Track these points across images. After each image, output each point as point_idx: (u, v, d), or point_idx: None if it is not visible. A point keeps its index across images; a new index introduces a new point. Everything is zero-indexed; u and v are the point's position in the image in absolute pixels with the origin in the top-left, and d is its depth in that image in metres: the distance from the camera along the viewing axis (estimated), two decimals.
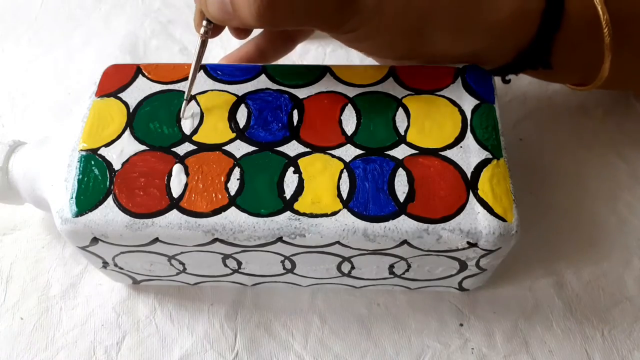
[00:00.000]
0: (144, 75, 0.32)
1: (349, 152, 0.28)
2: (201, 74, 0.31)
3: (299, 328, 0.33)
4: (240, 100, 0.31)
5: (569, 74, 0.34)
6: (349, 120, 0.30)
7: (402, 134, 0.29)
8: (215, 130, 0.29)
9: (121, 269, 0.32)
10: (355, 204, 0.27)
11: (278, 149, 0.29)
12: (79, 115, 0.30)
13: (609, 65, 0.31)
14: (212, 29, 0.30)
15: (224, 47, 0.43)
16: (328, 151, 0.29)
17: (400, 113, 0.30)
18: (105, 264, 0.31)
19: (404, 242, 0.27)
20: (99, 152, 0.29)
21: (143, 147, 0.29)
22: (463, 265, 0.29)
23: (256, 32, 0.35)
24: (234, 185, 0.28)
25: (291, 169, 0.28)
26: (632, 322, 0.33)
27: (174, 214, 0.27)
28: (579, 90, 0.36)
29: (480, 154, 0.28)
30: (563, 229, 0.36)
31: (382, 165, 0.28)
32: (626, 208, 0.37)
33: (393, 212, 0.27)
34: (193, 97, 0.31)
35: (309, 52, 0.46)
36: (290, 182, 0.28)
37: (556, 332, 0.33)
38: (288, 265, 0.30)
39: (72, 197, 0.27)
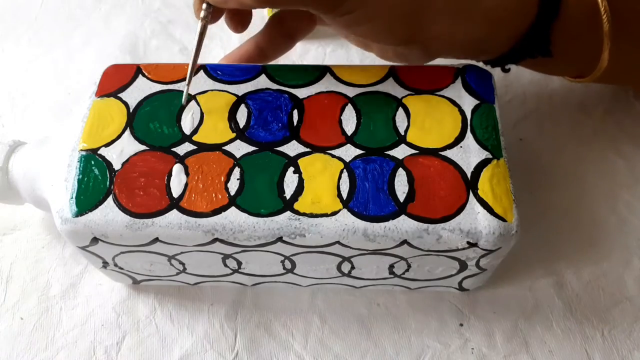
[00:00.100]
0: (144, 75, 0.32)
1: (349, 152, 0.28)
2: (201, 74, 0.31)
3: (299, 328, 0.33)
4: (240, 100, 0.31)
5: (568, 64, 0.34)
6: (349, 120, 0.30)
7: (402, 134, 0.29)
8: (215, 130, 0.29)
9: (121, 269, 0.32)
10: (355, 204, 0.27)
11: (278, 149, 0.29)
12: (79, 115, 0.30)
13: (608, 55, 0.31)
14: (212, 14, 0.30)
15: (224, 47, 0.43)
16: (328, 151, 0.29)
17: (400, 113, 0.30)
18: (105, 264, 0.31)
19: (404, 242, 0.27)
20: (99, 152, 0.29)
21: (143, 147, 0.29)
22: (463, 265, 0.29)
23: (254, 30, 0.35)
24: (234, 185, 0.28)
25: (291, 169, 0.28)
26: (632, 322, 0.33)
27: (174, 214, 0.27)
28: (578, 82, 0.36)
29: (480, 154, 0.28)
30: (563, 229, 0.36)
31: (382, 165, 0.28)
32: (626, 208, 0.37)
33: (393, 212, 0.27)
34: (193, 97, 0.31)
35: (309, 52, 0.46)
36: (290, 182, 0.28)
37: (556, 332, 0.33)
38: (288, 265, 0.30)
39: (72, 197, 0.27)
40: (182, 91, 0.31)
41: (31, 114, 0.43)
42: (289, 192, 0.27)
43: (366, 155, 0.28)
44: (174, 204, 0.27)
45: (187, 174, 0.28)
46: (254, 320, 0.34)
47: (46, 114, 0.43)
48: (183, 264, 0.31)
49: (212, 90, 0.31)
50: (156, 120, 0.30)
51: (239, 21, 0.33)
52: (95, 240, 0.28)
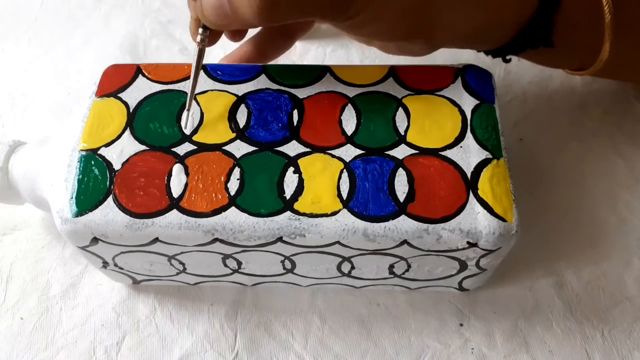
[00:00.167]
0: (144, 75, 0.32)
1: (349, 152, 0.28)
2: (201, 74, 0.31)
3: (299, 328, 0.33)
4: (240, 100, 0.31)
5: (569, 55, 0.34)
6: (349, 120, 0.30)
7: (402, 134, 0.29)
8: (215, 130, 0.29)
9: (121, 269, 0.32)
10: (355, 204, 0.27)
11: (278, 149, 0.29)
12: (79, 115, 0.30)
13: (609, 46, 0.31)
14: (209, 37, 0.30)
15: (224, 47, 0.42)
16: (328, 151, 0.29)
17: (400, 113, 0.30)
18: (105, 264, 0.31)
19: (404, 242, 0.27)
20: (99, 152, 0.29)
21: (143, 147, 0.29)
22: (463, 265, 0.29)
23: (251, 32, 0.35)
24: (234, 185, 0.28)
25: (291, 169, 0.28)
26: (632, 322, 0.33)
27: (174, 214, 0.27)
28: (578, 75, 0.36)
29: (480, 154, 0.28)
30: (563, 229, 0.36)
31: (382, 165, 0.28)
32: (626, 207, 0.37)
33: (393, 212, 0.27)
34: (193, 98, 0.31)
35: (309, 52, 0.46)
36: (290, 182, 0.28)
37: (556, 332, 0.33)
38: (288, 265, 0.30)
39: (72, 197, 0.27)
40: (182, 91, 0.31)
41: (31, 114, 0.43)
42: (289, 192, 0.27)
43: (366, 155, 0.28)
44: (174, 204, 0.27)
45: (187, 174, 0.28)
46: (254, 320, 0.34)
47: (46, 114, 0.43)
48: (183, 264, 0.31)
49: (212, 90, 0.31)
50: (156, 120, 0.30)
51: (237, 32, 0.33)
52: (95, 240, 0.28)
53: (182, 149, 0.29)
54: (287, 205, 0.27)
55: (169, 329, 0.33)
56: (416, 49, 0.32)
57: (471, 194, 0.27)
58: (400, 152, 0.28)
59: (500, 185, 0.27)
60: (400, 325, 0.33)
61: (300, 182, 0.28)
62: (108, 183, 0.28)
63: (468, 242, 0.27)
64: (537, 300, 0.34)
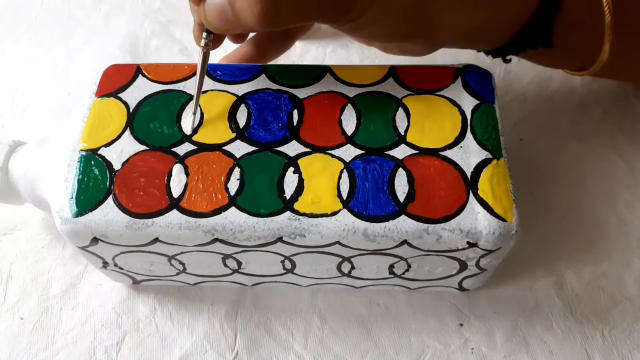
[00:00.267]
0: (144, 75, 0.32)
1: (349, 152, 0.28)
2: None
3: (299, 328, 0.33)
4: (240, 100, 0.31)
5: (569, 55, 0.34)
6: (349, 120, 0.30)
7: (402, 134, 0.29)
8: (215, 130, 0.29)
9: (121, 269, 0.32)
10: (355, 204, 0.27)
11: (278, 149, 0.29)
12: (79, 115, 0.30)
13: (609, 47, 0.31)
14: (213, 40, 0.30)
15: (224, 47, 0.42)
16: (328, 151, 0.29)
17: (400, 113, 0.30)
18: (105, 264, 0.31)
19: (404, 242, 0.27)
20: (99, 152, 0.29)
21: (143, 147, 0.29)
22: (463, 265, 0.29)
23: (252, 33, 0.35)
24: (234, 185, 0.28)
25: (291, 169, 0.28)
26: (632, 322, 0.33)
27: (174, 214, 0.27)
28: (578, 75, 0.36)
29: (480, 154, 0.28)
30: (563, 229, 0.36)
31: (382, 165, 0.28)
32: (626, 207, 0.37)
33: (393, 212, 0.27)
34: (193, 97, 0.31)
35: (309, 52, 0.46)
36: (290, 182, 0.28)
37: (556, 332, 0.33)
38: (288, 265, 0.30)
39: (72, 197, 0.27)
40: (182, 91, 0.31)
41: (31, 114, 0.43)
42: (289, 192, 0.27)
43: (366, 155, 0.28)
44: (174, 204, 0.27)
45: (187, 174, 0.28)
46: (254, 320, 0.34)
47: (46, 114, 0.43)
48: (183, 264, 0.31)
49: (212, 90, 0.31)
50: (156, 120, 0.30)
51: (239, 35, 0.33)
52: (95, 240, 0.28)
53: (182, 149, 0.29)
54: (287, 205, 0.27)
55: (169, 329, 0.33)
56: (416, 49, 0.32)
57: (471, 194, 0.27)
58: (400, 152, 0.28)
59: (500, 185, 0.27)
60: (400, 325, 0.33)
61: (300, 182, 0.28)
62: (108, 183, 0.28)
63: (468, 242, 0.27)
64: (537, 300, 0.34)
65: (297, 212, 0.27)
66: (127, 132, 0.29)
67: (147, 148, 0.29)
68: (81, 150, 0.29)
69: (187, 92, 0.31)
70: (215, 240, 0.27)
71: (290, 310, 0.34)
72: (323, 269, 0.31)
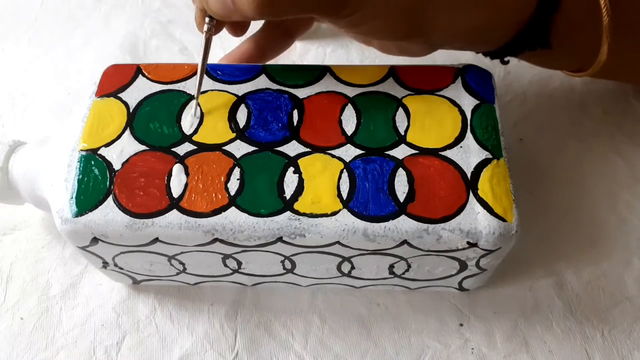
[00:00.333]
0: (144, 75, 0.32)
1: (349, 152, 0.28)
2: None
3: (299, 328, 0.33)
4: (240, 100, 0.31)
5: (567, 57, 0.34)
6: (349, 120, 0.30)
7: (402, 134, 0.29)
8: (215, 130, 0.29)
9: (121, 269, 0.32)
10: (355, 204, 0.27)
11: (278, 149, 0.29)
12: (79, 115, 0.30)
13: (607, 49, 0.31)
14: (215, 26, 0.30)
15: (224, 47, 0.43)
16: (328, 151, 0.29)
17: (400, 113, 0.30)
18: (105, 264, 0.31)
19: (404, 242, 0.27)
20: (99, 152, 0.29)
21: (143, 147, 0.29)
22: (463, 265, 0.29)
23: (253, 29, 0.35)
24: (234, 185, 0.28)
25: (291, 169, 0.28)
26: (632, 322, 0.33)
27: (174, 214, 0.27)
28: (577, 77, 0.36)
29: (480, 154, 0.28)
30: (563, 229, 0.36)
31: (382, 165, 0.28)
32: (626, 207, 0.37)
33: (393, 212, 0.27)
34: (193, 97, 0.31)
35: (309, 52, 0.46)
36: (290, 182, 0.28)
37: (556, 332, 0.33)
38: (288, 265, 0.30)
39: (72, 197, 0.27)
40: (182, 91, 0.31)
41: (31, 114, 0.43)
42: (289, 192, 0.27)
43: (366, 155, 0.28)
44: (174, 204, 0.27)
45: (187, 174, 0.28)
46: (254, 320, 0.34)
47: (46, 114, 0.43)
48: (183, 264, 0.31)
49: (212, 90, 0.31)
50: (156, 120, 0.30)
51: (239, 27, 0.33)
52: (95, 240, 0.28)
53: (182, 149, 0.29)
54: (287, 205, 0.27)
55: (169, 329, 0.33)
56: (415, 49, 0.32)
57: (471, 194, 0.27)
58: (400, 152, 0.28)
59: (500, 185, 0.27)
60: (400, 325, 0.33)
61: (300, 182, 0.28)
62: (108, 183, 0.28)
63: (468, 242, 0.27)
64: (537, 300, 0.34)
65: (297, 212, 0.27)
66: (127, 132, 0.29)
67: (147, 148, 0.29)
68: (81, 150, 0.29)
69: (187, 92, 0.31)
70: (215, 240, 0.27)
71: (290, 310, 0.34)
72: (323, 269, 0.31)
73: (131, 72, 0.32)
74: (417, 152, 0.28)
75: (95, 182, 0.28)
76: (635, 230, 0.36)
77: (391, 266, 0.30)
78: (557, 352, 0.32)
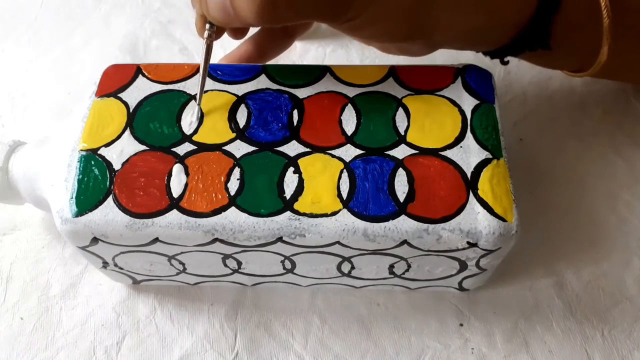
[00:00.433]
0: (144, 75, 0.32)
1: (349, 152, 0.28)
2: None
3: (299, 328, 0.33)
4: (240, 100, 0.31)
5: (568, 57, 0.34)
6: (349, 120, 0.30)
7: (402, 134, 0.29)
8: (215, 130, 0.29)
9: (121, 269, 0.32)
10: (355, 204, 0.27)
11: (278, 149, 0.29)
12: (79, 115, 0.30)
13: (608, 49, 0.31)
14: (215, 32, 0.30)
15: (224, 47, 0.43)
16: (328, 151, 0.29)
17: (400, 113, 0.30)
18: (105, 264, 0.31)
19: (404, 242, 0.27)
20: (99, 152, 0.29)
21: (143, 147, 0.29)
22: (463, 265, 0.29)
23: (253, 31, 0.35)
24: (234, 185, 0.28)
25: (291, 169, 0.28)
26: (632, 322, 0.33)
27: (174, 214, 0.27)
28: (577, 77, 0.36)
29: (480, 154, 0.28)
30: (563, 229, 0.36)
31: (382, 165, 0.28)
32: (626, 207, 0.37)
33: (393, 212, 0.27)
34: (193, 97, 0.31)
35: (309, 52, 0.46)
36: (290, 182, 0.28)
37: (556, 332, 0.33)
38: (288, 265, 0.30)
39: (72, 197, 0.27)
40: (182, 91, 0.31)
41: (31, 114, 0.43)
42: (289, 192, 0.27)
43: (366, 155, 0.28)
44: (174, 204, 0.27)
45: (187, 174, 0.28)
46: (254, 320, 0.34)
47: (46, 114, 0.43)
48: (183, 264, 0.31)
49: (212, 90, 0.31)
50: (156, 120, 0.30)
51: (239, 30, 0.33)
52: (95, 240, 0.28)
53: (182, 149, 0.29)
54: (287, 205, 0.27)
55: (169, 329, 0.33)
56: (415, 50, 0.32)
57: (471, 194, 0.27)
58: (400, 152, 0.28)
59: (500, 185, 0.27)
60: (400, 325, 0.33)
61: (300, 182, 0.28)
62: (108, 183, 0.28)
63: (468, 242, 0.27)
64: (537, 300, 0.34)
65: (297, 212, 0.27)
66: (127, 132, 0.29)
67: (147, 148, 0.29)
68: (81, 150, 0.29)
69: (187, 92, 0.31)
70: (215, 240, 0.27)
71: (290, 310, 0.34)
72: (323, 269, 0.31)
73: (131, 72, 0.32)
74: (417, 152, 0.28)
75: (95, 182, 0.28)
76: (635, 230, 0.36)
77: (391, 266, 0.30)
78: (557, 352, 0.32)
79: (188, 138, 0.29)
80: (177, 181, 0.28)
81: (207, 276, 0.33)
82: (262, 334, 0.33)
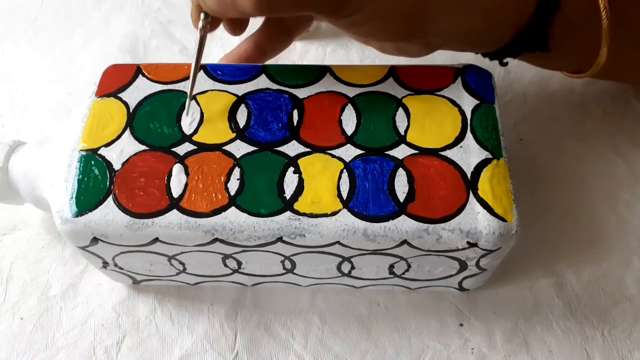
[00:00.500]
0: (144, 75, 0.32)
1: (349, 152, 0.28)
2: (201, 74, 0.31)
3: (299, 328, 0.33)
4: (240, 100, 0.31)
5: (567, 58, 0.34)
6: (349, 120, 0.30)
7: (402, 134, 0.29)
8: (215, 130, 0.29)
9: (121, 269, 0.32)
10: (355, 204, 0.27)
11: (278, 149, 0.29)
12: (79, 115, 0.30)
13: (607, 51, 0.31)
14: (210, 23, 0.30)
15: (224, 47, 0.43)
16: (328, 151, 0.29)
17: (400, 113, 0.30)
18: (105, 264, 0.31)
19: (404, 242, 0.27)
20: (99, 152, 0.29)
21: (143, 147, 0.29)
22: (463, 265, 0.29)
23: (252, 29, 0.35)
24: (234, 185, 0.28)
25: (291, 169, 0.28)
26: (632, 322, 0.33)
27: (174, 214, 0.27)
28: (576, 78, 0.36)
29: (480, 154, 0.28)
30: (563, 229, 0.36)
31: (382, 165, 0.28)
32: (626, 207, 0.37)
33: (393, 212, 0.27)
34: (193, 97, 0.31)
35: (309, 52, 0.46)
36: (290, 182, 0.28)
37: (556, 332, 0.33)
38: (288, 265, 0.30)
39: (72, 197, 0.27)
40: (182, 91, 0.31)
41: (31, 114, 0.43)
42: (289, 192, 0.27)
43: (366, 155, 0.28)
44: (174, 204, 0.27)
45: (187, 174, 0.28)
46: (254, 320, 0.34)
47: (46, 114, 0.43)
48: (183, 264, 0.31)
49: (212, 90, 0.31)
50: (156, 120, 0.30)
51: (237, 25, 0.33)
52: (95, 240, 0.28)
53: (182, 149, 0.29)
54: (287, 205, 0.27)
55: (169, 329, 0.33)
56: (414, 50, 0.32)
57: (471, 194, 0.27)
58: (400, 152, 0.28)
59: (500, 185, 0.27)
60: (400, 325, 0.33)
61: (300, 182, 0.28)
62: (108, 183, 0.28)
63: (468, 242, 0.27)
64: (537, 300, 0.34)
65: (297, 212, 0.27)
66: (127, 132, 0.29)
67: (147, 148, 0.29)
68: (81, 150, 0.29)
69: (187, 92, 0.31)
70: (215, 240, 0.27)
71: (290, 310, 0.34)
72: (323, 269, 0.31)
73: (131, 72, 0.32)
74: (417, 152, 0.28)
75: (95, 182, 0.28)
76: (635, 230, 0.36)
77: (391, 266, 0.30)
78: (557, 352, 0.32)
79: (188, 138, 0.29)
80: (177, 181, 0.28)
81: (207, 276, 0.33)
82: (262, 334, 0.33)
